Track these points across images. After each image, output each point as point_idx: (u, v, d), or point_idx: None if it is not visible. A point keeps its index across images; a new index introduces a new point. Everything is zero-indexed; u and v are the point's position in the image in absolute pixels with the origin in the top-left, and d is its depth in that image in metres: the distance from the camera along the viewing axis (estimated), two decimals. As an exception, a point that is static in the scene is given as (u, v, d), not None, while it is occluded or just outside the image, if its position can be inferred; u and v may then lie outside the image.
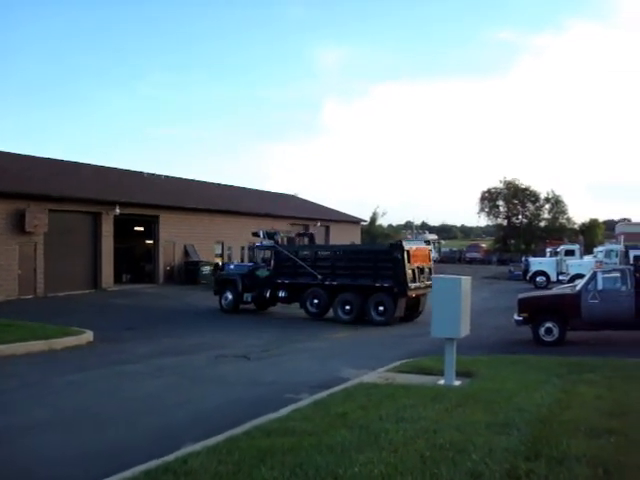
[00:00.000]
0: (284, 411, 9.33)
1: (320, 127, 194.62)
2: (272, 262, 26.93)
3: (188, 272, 39.42)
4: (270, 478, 6.12)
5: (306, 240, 30.49)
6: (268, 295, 26.53)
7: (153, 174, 48.27)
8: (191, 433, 8.55)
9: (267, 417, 8.94)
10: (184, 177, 52.29)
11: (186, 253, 40.71)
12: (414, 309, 24.82)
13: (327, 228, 60.19)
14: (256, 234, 29.14)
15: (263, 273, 26.98)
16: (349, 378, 12.59)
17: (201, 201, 44.71)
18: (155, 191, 42.97)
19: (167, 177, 49.18)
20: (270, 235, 28.26)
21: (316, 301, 25.07)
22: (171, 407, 10.84)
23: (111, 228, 35.22)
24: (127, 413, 10.42)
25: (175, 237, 39.93)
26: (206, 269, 39.19)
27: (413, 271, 23.75)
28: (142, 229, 41.04)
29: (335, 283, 24.70)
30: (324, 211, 64.72)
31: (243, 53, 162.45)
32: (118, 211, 34.80)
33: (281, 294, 26.29)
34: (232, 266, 29.88)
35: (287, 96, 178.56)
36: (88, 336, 18.58)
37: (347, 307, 24.27)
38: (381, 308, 23.59)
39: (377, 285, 23.87)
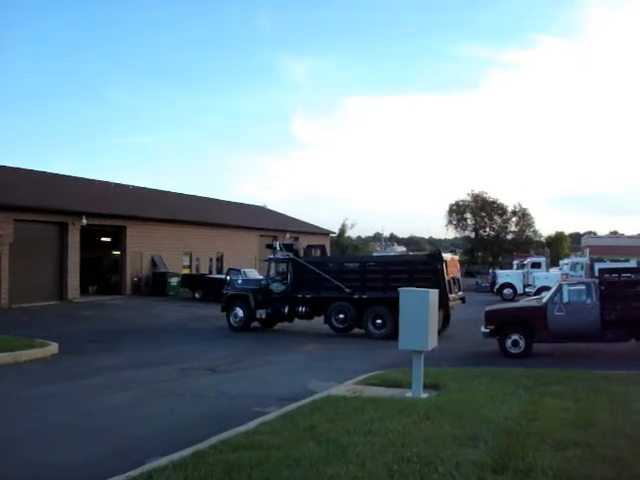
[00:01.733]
0: (252, 424, 9.27)
1: (289, 138, 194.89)
2: (289, 275, 25.23)
3: (156, 283, 39.14)
4: (236, 493, 6.08)
5: (318, 252, 28.76)
6: (286, 311, 24.87)
7: (121, 184, 47.94)
8: (156, 447, 8.45)
9: (234, 431, 8.88)
10: (152, 187, 52.07)
11: (154, 264, 40.42)
12: (445, 321, 23.42)
13: (296, 239, 60.09)
14: (271, 246, 27.73)
15: (279, 287, 25.29)
16: (317, 391, 12.54)
17: (169, 212, 44.50)
18: (123, 201, 42.65)
19: (135, 187, 48.90)
20: (288, 247, 26.78)
21: (342, 316, 23.70)
22: (136, 421, 10.72)
23: (77, 239, 34.86)
24: (91, 427, 10.28)
25: (143, 248, 39.64)
26: (174, 280, 39.01)
27: (448, 282, 23.11)
28: (109, 240, 40.73)
29: (365, 296, 23.46)
30: (293, 222, 64.71)
31: (212, 63, 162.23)
32: (85, 221, 34.46)
33: (301, 309, 24.77)
34: (240, 281, 27.88)
35: (256, 107, 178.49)
36: (53, 348, 18.35)
37: (379, 321, 23.11)
38: None
39: None
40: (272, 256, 27.02)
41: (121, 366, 16.55)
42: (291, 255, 25.58)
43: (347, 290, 23.69)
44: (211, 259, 46.80)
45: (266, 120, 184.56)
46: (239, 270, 37.41)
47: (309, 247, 29.05)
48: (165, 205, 46.52)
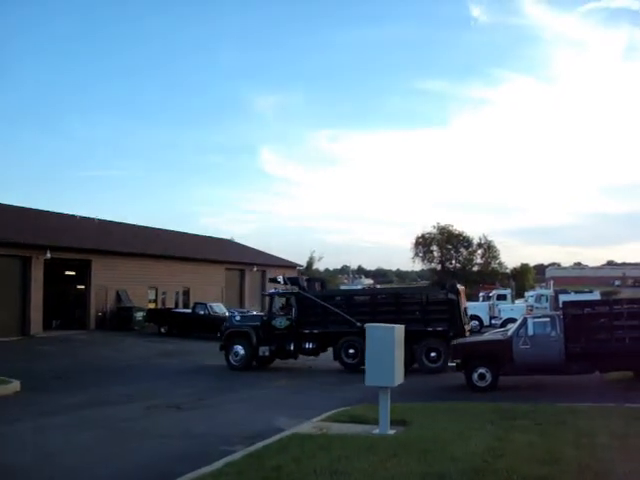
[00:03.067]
0: (217, 465, 9.13)
1: (256, 172, 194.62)
2: (294, 310, 24.36)
3: (121, 318, 38.63)
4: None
5: (318, 286, 27.83)
6: (292, 348, 24.01)
7: (86, 217, 47.46)
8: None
9: (199, 472, 8.74)
10: (118, 220, 51.57)
11: (119, 298, 39.94)
12: None
13: (263, 273, 59.96)
14: (274, 280, 26.95)
15: (282, 323, 24.30)
16: (284, 428, 12.43)
17: (135, 245, 44.18)
18: (88, 235, 42.22)
19: (100, 220, 48.44)
20: (293, 281, 25.99)
21: (352, 351, 22.75)
22: (97, 463, 10.47)
23: (41, 273, 34.36)
24: (52, 469, 10.03)
25: (108, 282, 39.17)
26: (139, 315, 38.59)
27: (461, 312, 22.86)
28: (74, 273, 40.21)
29: None
30: (260, 255, 64.53)
31: (178, 97, 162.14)
32: (49, 255, 34.02)
33: (308, 345, 23.96)
34: (238, 317, 26.89)
35: (224, 141, 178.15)
36: (15, 386, 18.02)
37: None
38: (433, 354, 22.17)
39: (429, 330, 22.33)
40: (274, 290, 26.42)
41: (85, 404, 16.27)
42: (296, 289, 24.81)
43: (358, 324, 22.25)
44: (177, 293, 46.40)
45: (233, 154, 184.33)
46: (205, 305, 37.28)
47: (309, 281, 28.32)
48: (131, 238, 46.18)
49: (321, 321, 23.81)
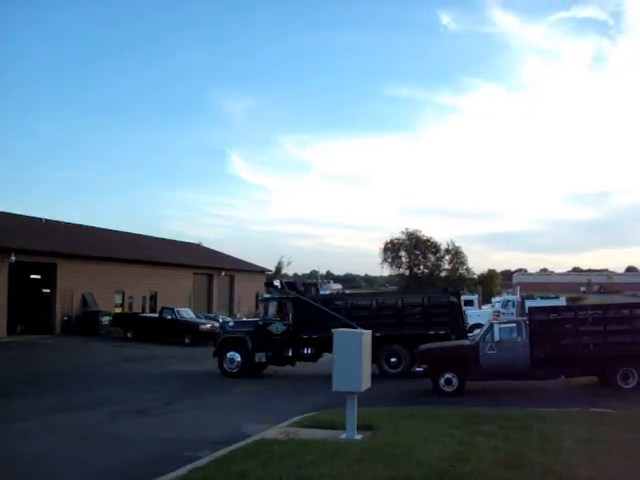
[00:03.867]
0: (182, 471, 9.07)
1: (225, 176, 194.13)
2: (291, 315, 23.97)
3: (87, 322, 38.17)
4: None
5: (313, 290, 27.60)
6: (290, 353, 23.53)
7: (52, 220, 46.89)
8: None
9: (164, 478, 8.68)
10: (84, 224, 51.03)
11: (85, 302, 39.48)
12: None
13: (232, 278, 59.79)
14: (271, 284, 26.40)
15: (279, 328, 23.84)
16: (251, 434, 12.38)
17: (102, 249, 43.73)
18: (53, 238, 41.71)
19: (66, 223, 47.92)
20: (291, 286, 25.57)
21: None
22: (61, 469, 10.35)
23: (6, 276, 33.86)
24: (14, 477, 9.87)
25: (74, 286, 38.69)
26: (105, 319, 38.19)
27: (463, 316, 22.76)
28: (39, 277, 39.64)
29: (378, 334, 21.32)
30: (228, 260, 64.32)
31: (147, 99, 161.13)
32: (14, 259, 33.55)
33: (306, 351, 23.47)
34: (231, 323, 26.38)
35: (192, 144, 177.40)
36: (-23, 392, 17.71)
37: (393, 360, 22.37)
38: None
39: (431, 333, 21.99)
40: (269, 295, 25.91)
41: (49, 409, 16.04)
42: (294, 294, 24.41)
43: (359, 329, 22.52)
44: (144, 297, 46.02)
45: (202, 157, 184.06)
46: (173, 309, 37.03)
47: (305, 286, 27.78)
48: (97, 242, 45.70)
49: (320, 326, 22.91)
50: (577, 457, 9.53)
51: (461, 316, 22.68)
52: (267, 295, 26.28)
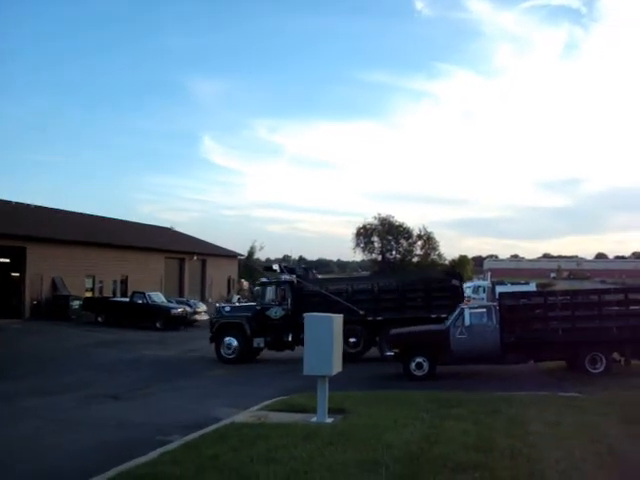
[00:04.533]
0: (153, 455, 9.05)
1: (198, 159, 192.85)
2: (290, 300, 23.72)
3: (57, 307, 37.82)
4: (135, 528, 5.91)
5: (312, 274, 27.34)
6: (290, 338, 23.09)
7: (21, 203, 46.24)
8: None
9: (135, 462, 8.65)
10: (54, 207, 50.36)
11: (55, 287, 39.10)
12: None
13: (203, 262, 59.57)
14: (270, 268, 26.12)
15: (278, 313, 23.55)
16: (222, 418, 12.39)
17: (72, 232, 43.29)
18: (23, 221, 41.14)
19: (36, 206, 47.29)
20: (291, 269, 25.29)
21: (354, 340, 22.10)
22: (31, 453, 10.28)
23: (-27, 260, 33.44)
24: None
25: (43, 270, 38.30)
26: (76, 303, 37.88)
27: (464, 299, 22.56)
28: (8, 261, 39.16)
29: (380, 318, 22.33)
30: (200, 245, 64.04)
31: (116, 81, 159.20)
32: (-18, 242, 33.11)
33: None
34: (227, 308, 25.80)
35: (164, 127, 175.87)
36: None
37: None
38: None
39: (433, 317, 21.80)
40: (267, 279, 25.57)
41: (20, 394, 15.94)
42: (294, 278, 24.18)
43: (361, 312, 22.47)
44: (115, 282, 45.71)
45: (174, 140, 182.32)
46: (144, 294, 36.82)
47: (304, 270, 27.51)
48: (68, 225, 45.23)
49: (321, 310, 22.68)
50: (545, 440, 9.65)
51: (462, 299, 22.56)
52: (265, 279, 25.90)
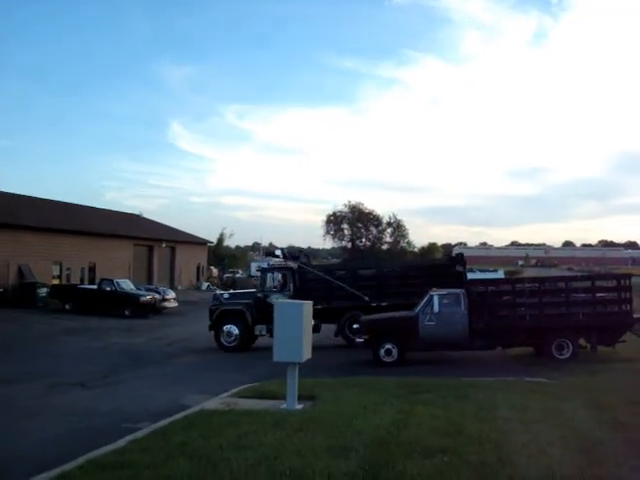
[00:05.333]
0: (121, 442, 8.99)
1: (166, 145, 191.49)
2: (292, 286, 23.45)
3: (23, 294, 37.28)
4: (103, 516, 5.87)
5: (307, 260, 26.90)
6: None
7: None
8: (21, 470, 8.04)
9: (103, 450, 8.58)
10: (21, 193, 49.60)
11: (21, 274, 38.58)
12: None
13: (173, 249, 59.21)
14: (272, 254, 25.65)
15: (279, 299, 23.51)
16: (191, 405, 12.33)
17: (39, 219, 42.69)
18: (-13, 208, 40.54)
19: (2, 193, 46.57)
20: (294, 256, 24.80)
21: (357, 326, 21.22)
22: (-2, 442, 10.15)
23: (-63, 247, 32.84)
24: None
25: (9, 257, 37.72)
26: (43, 291, 37.41)
27: None
28: (-28, 248, 38.58)
29: (384, 304, 22.09)
30: (169, 232, 63.61)
31: (83, 65, 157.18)
32: (-55, 229, 32.52)
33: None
34: (226, 295, 25.31)
35: (132, 112, 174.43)
36: None
37: None
38: None
39: None
40: (268, 265, 25.13)
41: (-17, 383, 15.69)
42: (296, 264, 23.89)
43: (366, 298, 22.36)
44: (83, 269, 45.23)
45: (143, 126, 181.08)
46: (112, 281, 36.50)
47: (305, 256, 27.24)
48: (34, 212, 44.55)
49: (324, 296, 22.70)
50: (512, 425, 9.77)
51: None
52: (265, 265, 25.46)
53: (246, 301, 23.73)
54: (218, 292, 26.22)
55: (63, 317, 33.52)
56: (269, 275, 24.21)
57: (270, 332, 21.73)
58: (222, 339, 23.02)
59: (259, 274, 25.48)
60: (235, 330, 22.95)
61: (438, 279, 21.51)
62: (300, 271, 23.64)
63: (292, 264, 24.00)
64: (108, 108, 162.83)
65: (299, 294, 22.64)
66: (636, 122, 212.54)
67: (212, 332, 23.25)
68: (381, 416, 10.32)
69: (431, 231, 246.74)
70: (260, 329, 22.90)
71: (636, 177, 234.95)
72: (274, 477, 6.95)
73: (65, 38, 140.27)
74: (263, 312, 22.52)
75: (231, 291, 28.07)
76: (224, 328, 23.05)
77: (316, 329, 22.41)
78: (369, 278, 23.66)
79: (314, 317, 22.32)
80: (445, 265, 23.71)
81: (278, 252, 25.22)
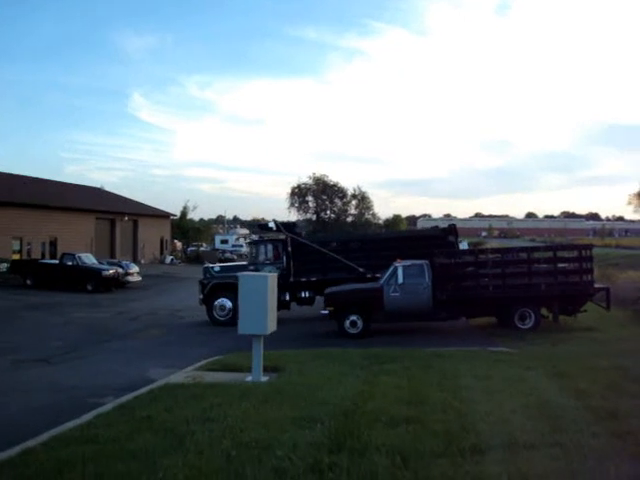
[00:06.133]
0: (86, 417, 8.94)
1: (127, 116, 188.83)
2: (286, 258, 23.10)
3: (-17, 270, 36.74)
4: (68, 491, 5.83)
5: (302, 232, 26.55)
6: (287, 297, 22.48)
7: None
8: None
9: (67, 425, 8.53)
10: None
11: (-20, 250, 37.92)
12: None
13: (135, 222, 58.61)
14: (265, 227, 24.98)
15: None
16: (157, 379, 12.32)
17: (-4, 193, 41.89)
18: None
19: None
20: (288, 227, 24.11)
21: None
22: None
23: None
24: None
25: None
26: (3, 266, 36.84)
27: None
28: None
29: (379, 275, 21.43)
30: (132, 205, 62.92)
31: (39, 35, 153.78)
32: None
33: (304, 294, 22.73)
34: (217, 268, 24.65)
35: (91, 84, 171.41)
36: None
37: None
38: None
39: None
40: (258, 238, 24.44)
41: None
42: (291, 236, 23.42)
43: (360, 269, 22.17)
44: (44, 244, 44.57)
45: (102, 97, 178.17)
46: (74, 255, 36.05)
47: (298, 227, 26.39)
48: (-8, 186, 43.76)
49: (319, 268, 22.63)
50: (476, 394, 9.90)
51: None
52: (256, 238, 24.87)
53: (237, 273, 23.19)
54: (208, 265, 25.69)
55: (24, 292, 33.06)
56: (261, 247, 24.08)
57: None
58: (215, 313, 22.70)
59: (250, 247, 24.99)
60: (228, 303, 22.58)
61: (432, 250, 21.32)
62: (293, 243, 23.30)
63: (284, 236, 23.61)
64: (66, 80, 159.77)
65: (295, 266, 22.68)
66: (602, 95, 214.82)
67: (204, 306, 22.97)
68: (346, 387, 10.39)
69: (397, 203, 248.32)
70: None
71: (599, 150, 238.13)
72: (239, 449, 6.96)
73: (19, 7, 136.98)
74: None
75: (221, 264, 27.49)
76: (216, 302, 22.70)
77: (311, 302, 22.91)
78: (363, 249, 23.33)
79: (309, 289, 22.84)
80: (438, 236, 23.51)
81: (272, 224, 24.59)
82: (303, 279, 22.69)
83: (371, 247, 23.35)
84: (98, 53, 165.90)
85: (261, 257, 23.79)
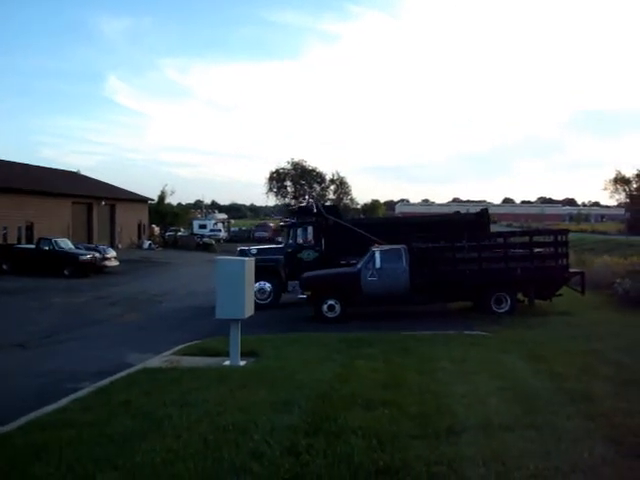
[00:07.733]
0: (63, 402, 8.95)
1: (103, 100, 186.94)
2: (324, 241, 22.73)
3: (-42, 254, 36.28)
4: (44, 475, 5.85)
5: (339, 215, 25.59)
6: None
7: None
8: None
9: (44, 410, 8.53)
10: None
11: (-45, 235, 37.48)
12: None
13: (112, 207, 58.20)
14: (306, 209, 24.48)
15: (311, 255, 22.52)
16: (135, 363, 12.31)
17: (-28, 177, 41.40)
18: None
19: None
20: (329, 210, 23.60)
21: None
22: None
23: None
24: None
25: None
26: (-20, 251, 36.41)
27: None
28: None
29: None
30: (109, 189, 62.42)
31: (14, 19, 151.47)
32: None
33: None
34: (254, 250, 23.56)
35: (67, 66, 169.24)
36: None
37: None
38: None
39: None
40: (295, 220, 24.05)
41: None
42: (333, 219, 22.96)
43: None
44: (20, 228, 44.12)
45: (78, 80, 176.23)
46: (51, 240, 35.78)
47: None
48: (-33, 170, 43.22)
49: (356, 251, 21.37)
50: (452, 377, 10.02)
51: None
52: (294, 220, 24.55)
53: (278, 256, 22.95)
54: (244, 247, 24.92)
55: (0, 278, 32.78)
56: (300, 230, 23.60)
57: None
58: (255, 297, 21.95)
59: (286, 230, 24.64)
60: (268, 287, 22.25)
61: (466, 233, 20.86)
62: (331, 225, 22.85)
63: (323, 218, 23.17)
64: (40, 62, 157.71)
65: (335, 248, 22.37)
66: (580, 81, 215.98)
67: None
68: (323, 370, 10.47)
69: (376, 189, 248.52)
70: (293, 285, 21.96)
71: (577, 136, 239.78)
72: (217, 432, 7.01)
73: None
74: (294, 268, 22.06)
75: (258, 247, 26.45)
76: (256, 285, 20.92)
77: None
78: (404, 232, 22.08)
79: None
80: (472, 221, 23.26)
81: (313, 207, 24.01)
82: (343, 262, 21.88)
83: (411, 230, 22.36)
84: (73, 35, 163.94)
85: (299, 240, 23.34)
